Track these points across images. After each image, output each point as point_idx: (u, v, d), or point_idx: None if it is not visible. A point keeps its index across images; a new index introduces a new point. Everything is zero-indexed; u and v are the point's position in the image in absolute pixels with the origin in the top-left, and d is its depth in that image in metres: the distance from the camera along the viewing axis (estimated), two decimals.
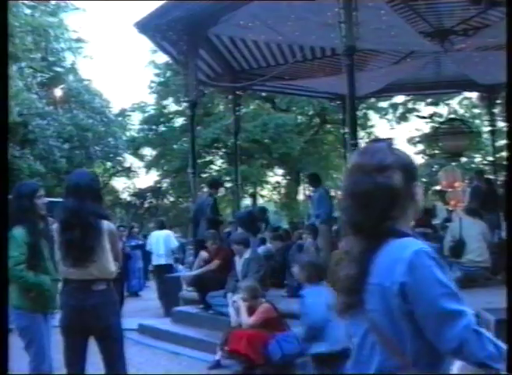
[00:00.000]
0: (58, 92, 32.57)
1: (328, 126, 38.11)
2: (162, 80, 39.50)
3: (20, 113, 29.16)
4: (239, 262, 9.89)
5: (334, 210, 13.06)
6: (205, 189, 14.12)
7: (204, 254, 11.47)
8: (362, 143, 15.21)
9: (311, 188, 14.98)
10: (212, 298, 9.99)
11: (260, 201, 38.93)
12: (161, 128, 40.37)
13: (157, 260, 16.27)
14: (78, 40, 37.63)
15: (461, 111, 37.15)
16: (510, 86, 5.73)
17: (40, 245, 5.22)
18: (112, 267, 5.32)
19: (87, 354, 5.37)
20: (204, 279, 10.42)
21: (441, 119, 32.18)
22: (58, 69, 37.15)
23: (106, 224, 5.34)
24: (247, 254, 9.79)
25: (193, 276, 10.95)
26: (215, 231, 11.77)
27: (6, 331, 4.07)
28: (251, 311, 7.79)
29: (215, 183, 13.52)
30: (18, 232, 5.24)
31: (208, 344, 8.79)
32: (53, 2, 32.19)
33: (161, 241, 16.18)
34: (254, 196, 39.80)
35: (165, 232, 17.01)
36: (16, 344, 5.39)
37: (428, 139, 32.27)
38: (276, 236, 13.00)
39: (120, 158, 42.27)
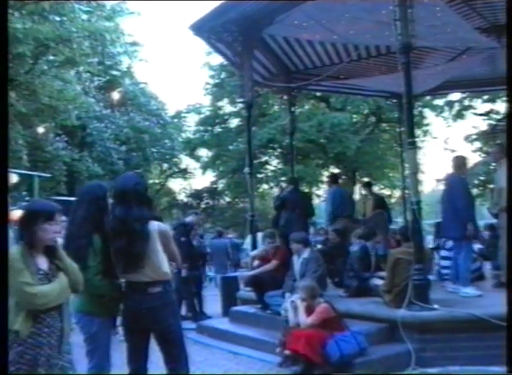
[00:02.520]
0: (115, 95, 33.04)
1: (384, 124, 37.88)
2: (217, 81, 39.73)
3: (79, 117, 29.73)
4: (297, 262, 9.87)
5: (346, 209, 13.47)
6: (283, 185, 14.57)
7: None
8: (418, 141, 15.12)
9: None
10: (270, 298, 9.96)
11: (316, 201, 38.78)
12: (217, 129, 40.61)
13: None
14: (133, 43, 38.24)
15: None
16: (511, 86, 5.64)
17: (111, 250, 5.27)
18: (166, 268, 5.35)
19: (149, 352, 5.48)
20: (262, 279, 10.41)
21: (498, 117, 31.67)
22: (115, 72, 37.84)
23: (156, 225, 5.36)
24: (306, 253, 9.77)
25: (251, 275, 10.94)
26: (273, 230, 11.80)
27: (6, 331, 4.07)
28: (309, 311, 7.78)
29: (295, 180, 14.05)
30: (96, 240, 5.23)
31: (266, 343, 8.77)
32: (109, 5, 32.63)
33: (258, 242, 17.09)
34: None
35: (261, 234, 17.68)
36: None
37: (485, 136, 31.76)
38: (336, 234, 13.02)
39: (176, 159, 42.86)
